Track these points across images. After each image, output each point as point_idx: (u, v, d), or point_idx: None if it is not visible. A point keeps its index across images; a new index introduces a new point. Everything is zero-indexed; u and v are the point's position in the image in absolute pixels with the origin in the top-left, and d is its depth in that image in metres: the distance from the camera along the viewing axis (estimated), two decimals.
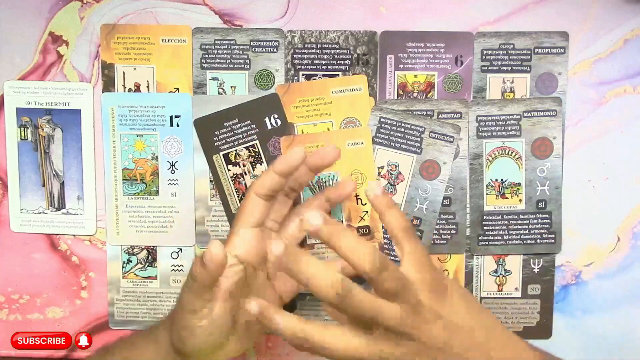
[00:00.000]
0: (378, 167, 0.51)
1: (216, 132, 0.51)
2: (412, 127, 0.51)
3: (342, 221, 0.51)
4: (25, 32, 0.51)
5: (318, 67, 0.51)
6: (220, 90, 0.51)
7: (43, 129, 0.52)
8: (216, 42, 0.51)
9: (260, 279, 0.44)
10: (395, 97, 0.51)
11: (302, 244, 0.51)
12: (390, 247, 0.51)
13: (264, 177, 0.43)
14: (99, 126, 0.52)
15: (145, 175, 0.52)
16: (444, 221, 0.51)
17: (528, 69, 0.50)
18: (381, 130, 0.51)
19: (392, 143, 0.51)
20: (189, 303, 0.40)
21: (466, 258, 0.52)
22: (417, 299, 0.36)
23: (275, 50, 0.51)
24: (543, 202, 0.51)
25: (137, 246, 0.53)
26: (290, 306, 0.52)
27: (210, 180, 0.52)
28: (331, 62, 0.51)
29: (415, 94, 0.51)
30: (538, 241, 0.51)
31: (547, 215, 0.51)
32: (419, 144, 0.51)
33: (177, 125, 0.51)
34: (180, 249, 0.53)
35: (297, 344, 0.36)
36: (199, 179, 0.52)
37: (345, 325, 0.37)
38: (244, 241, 0.43)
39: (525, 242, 0.51)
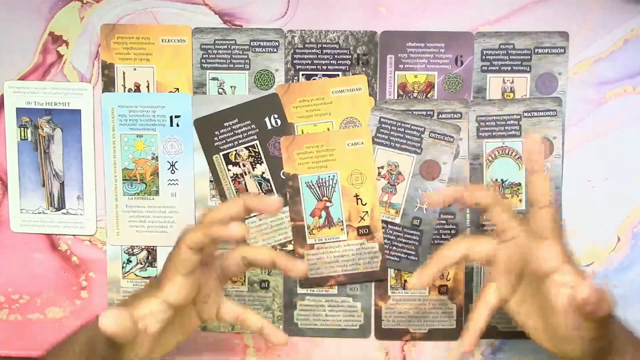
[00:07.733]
0: (378, 167, 0.51)
1: (216, 132, 0.51)
2: (412, 127, 0.51)
3: (342, 221, 0.51)
4: (25, 32, 0.51)
5: (318, 67, 0.51)
6: (220, 90, 0.51)
7: (43, 129, 0.52)
8: (216, 42, 0.51)
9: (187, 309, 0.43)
10: (395, 97, 0.51)
11: (302, 244, 0.51)
12: (391, 248, 0.51)
13: (196, 234, 0.40)
14: (99, 126, 0.52)
15: (145, 175, 0.52)
16: (444, 221, 0.51)
17: (528, 69, 0.50)
18: (381, 130, 0.51)
19: (392, 143, 0.51)
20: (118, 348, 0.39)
21: None
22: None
23: (275, 50, 0.51)
24: None
25: (137, 246, 0.53)
26: (290, 305, 0.52)
27: (210, 180, 0.52)
28: (331, 62, 0.51)
29: (415, 94, 0.51)
30: None
31: None
32: (419, 144, 0.51)
33: (177, 125, 0.51)
34: None
35: None
36: (199, 179, 0.52)
37: None
38: (176, 288, 0.41)
39: None
